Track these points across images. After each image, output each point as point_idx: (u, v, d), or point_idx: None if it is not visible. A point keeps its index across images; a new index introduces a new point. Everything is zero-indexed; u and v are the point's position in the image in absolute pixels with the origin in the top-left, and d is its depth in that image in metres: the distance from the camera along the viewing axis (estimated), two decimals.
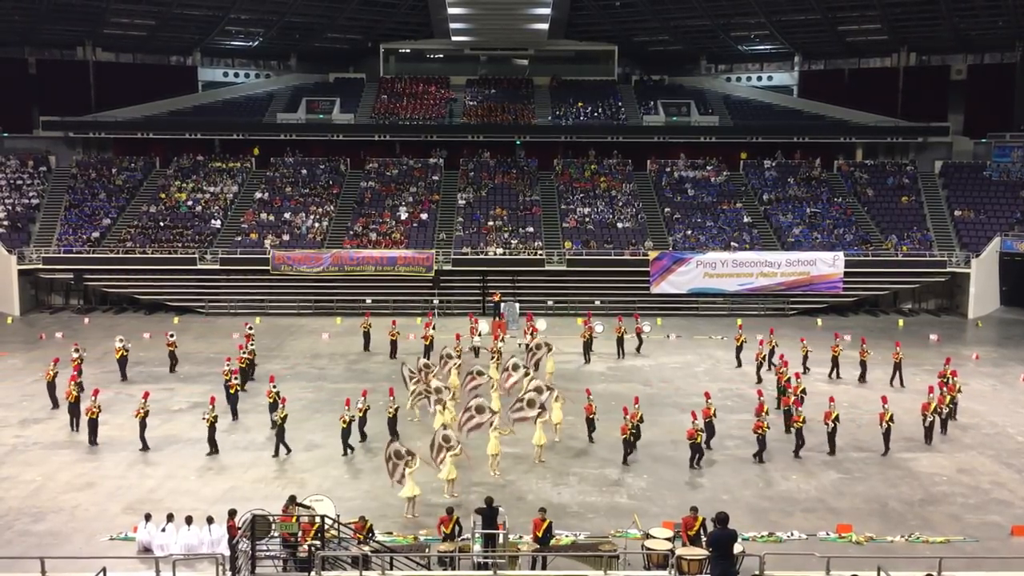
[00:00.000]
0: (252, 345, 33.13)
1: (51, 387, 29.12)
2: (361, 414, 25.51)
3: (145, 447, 24.69)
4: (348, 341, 38.03)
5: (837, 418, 24.89)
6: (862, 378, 32.69)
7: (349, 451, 24.49)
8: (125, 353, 32.74)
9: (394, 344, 36.16)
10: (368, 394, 26.65)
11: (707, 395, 25.92)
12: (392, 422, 25.20)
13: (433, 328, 37.09)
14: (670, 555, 15.02)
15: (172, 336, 34.23)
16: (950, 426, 26.87)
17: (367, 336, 37.41)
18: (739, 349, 34.87)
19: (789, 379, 29.23)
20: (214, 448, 24.39)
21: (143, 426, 24.81)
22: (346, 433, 24.50)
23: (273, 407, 25.83)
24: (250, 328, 35.10)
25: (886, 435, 24.76)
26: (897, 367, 32.47)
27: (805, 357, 33.14)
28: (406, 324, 39.04)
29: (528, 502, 20.57)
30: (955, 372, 29.77)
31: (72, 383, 27.50)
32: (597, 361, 35.27)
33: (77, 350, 32.02)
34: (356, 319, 40.79)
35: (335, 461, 23.85)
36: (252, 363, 32.52)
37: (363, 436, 25.42)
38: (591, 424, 25.61)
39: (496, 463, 22.85)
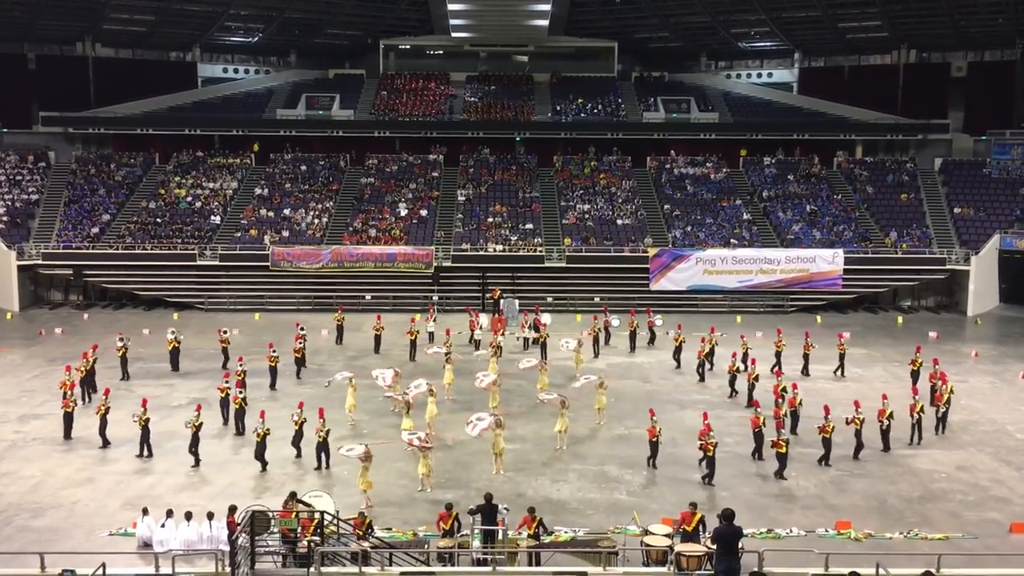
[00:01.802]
0: (302, 344, 32.75)
1: (90, 373, 30.11)
2: (297, 427, 23.58)
3: (105, 444, 24.49)
4: (348, 337, 38.04)
5: (891, 415, 24.79)
6: (804, 371, 32.81)
7: (264, 467, 22.78)
8: (177, 344, 33.23)
9: (378, 339, 36.24)
10: (303, 406, 24.73)
11: (756, 404, 25.37)
12: (321, 447, 22.82)
13: (434, 321, 37.07)
14: (669, 551, 15.04)
15: (226, 333, 34.20)
16: (928, 427, 26.35)
17: (340, 330, 37.58)
18: (678, 350, 34.16)
19: (757, 376, 29.24)
20: (145, 452, 23.75)
21: (103, 423, 24.59)
22: (261, 447, 22.73)
23: (240, 414, 25.59)
24: (302, 329, 34.39)
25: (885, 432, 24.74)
26: (842, 358, 33.08)
27: (745, 354, 31.98)
28: (406, 321, 39.00)
29: (527, 498, 20.56)
30: (936, 360, 30.20)
31: (68, 373, 27.70)
32: (599, 357, 35.27)
33: (121, 339, 32.65)
34: (356, 316, 40.89)
35: (335, 458, 23.70)
36: (302, 360, 32.38)
37: (298, 452, 23.62)
38: (655, 448, 23.29)
39: (500, 462, 22.81)
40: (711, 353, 33.04)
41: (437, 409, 25.91)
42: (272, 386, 30.35)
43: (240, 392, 26.30)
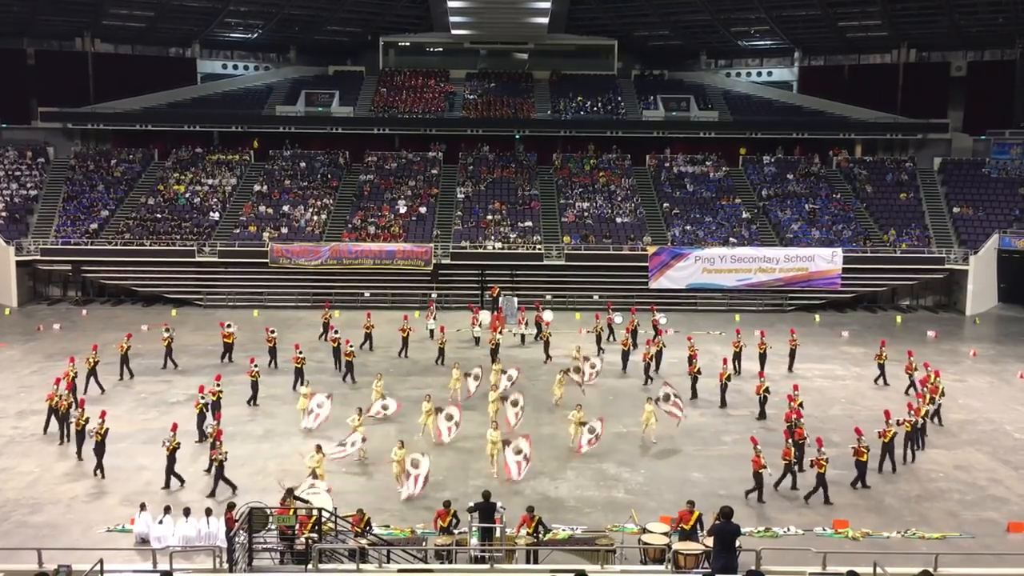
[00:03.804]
0: (352, 347, 31.96)
1: (124, 359, 31.17)
2: (169, 452, 21.57)
3: (62, 440, 24.21)
4: (347, 335, 37.88)
5: (927, 414, 24.66)
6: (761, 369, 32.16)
7: (178, 482, 21.33)
8: (235, 338, 33.59)
9: (368, 336, 36.07)
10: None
11: (799, 415, 24.47)
12: (220, 470, 21.05)
13: (434, 319, 36.81)
14: (667, 550, 15.03)
15: (274, 333, 33.63)
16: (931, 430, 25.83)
17: (325, 327, 37.32)
18: (626, 354, 33.33)
19: (730, 376, 29.16)
20: (82, 456, 23.21)
21: (66, 417, 24.44)
22: (171, 461, 21.33)
23: (203, 415, 24.82)
24: (336, 332, 33.92)
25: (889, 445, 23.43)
26: (792, 354, 32.99)
27: (691, 357, 31.01)
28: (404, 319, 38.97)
29: (525, 497, 20.56)
30: (910, 352, 30.79)
31: (72, 364, 28.01)
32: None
33: (167, 330, 33.37)
34: (355, 313, 40.86)
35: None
36: (351, 365, 31.40)
37: (167, 480, 21.67)
38: (759, 479, 21.14)
39: (496, 462, 22.71)
40: (659, 355, 32.42)
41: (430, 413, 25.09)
42: (297, 386, 29.61)
43: (202, 398, 25.29)
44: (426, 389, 28.63)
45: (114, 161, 55.22)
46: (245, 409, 27.74)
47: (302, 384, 28.35)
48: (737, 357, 32.51)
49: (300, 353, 30.56)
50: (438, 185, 53.84)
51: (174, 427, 22.10)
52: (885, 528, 19.61)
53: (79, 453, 23.30)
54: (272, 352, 32.91)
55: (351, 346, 31.93)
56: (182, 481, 21.46)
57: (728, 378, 29.06)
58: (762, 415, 27.27)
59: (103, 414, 23.31)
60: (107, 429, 22.38)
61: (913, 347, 37.46)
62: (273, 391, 29.49)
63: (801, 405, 25.84)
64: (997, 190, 52.70)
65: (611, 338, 37.48)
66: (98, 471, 22.02)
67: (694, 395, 29.53)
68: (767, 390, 27.35)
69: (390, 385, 28.53)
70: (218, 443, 21.45)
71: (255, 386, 28.40)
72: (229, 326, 34.23)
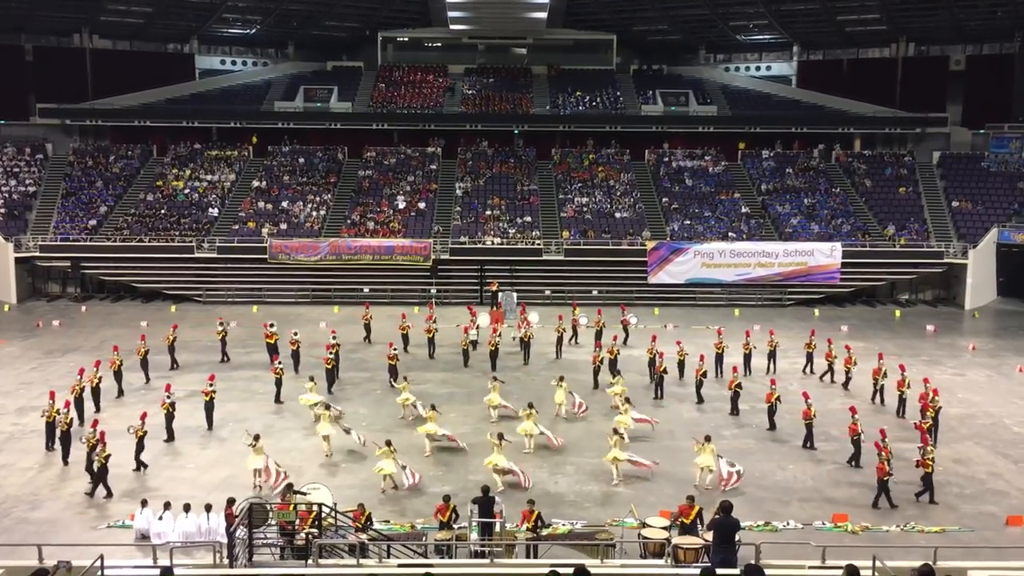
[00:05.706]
0: (394, 351, 31.09)
1: (171, 349, 32.21)
2: (138, 437, 22.32)
3: (50, 448, 23.76)
4: (346, 330, 37.96)
5: (940, 409, 24.70)
6: (746, 369, 31.90)
7: (94, 489, 20.99)
8: (277, 337, 33.35)
9: (405, 339, 35.38)
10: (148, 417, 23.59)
11: (853, 410, 23.96)
12: (102, 472, 20.73)
13: (434, 321, 36.41)
14: (667, 544, 15.06)
15: (297, 334, 33.12)
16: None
17: (368, 329, 37.02)
18: (614, 363, 31.61)
19: (706, 373, 29.14)
20: (52, 447, 23.32)
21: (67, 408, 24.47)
22: (89, 461, 21.11)
23: (170, 415, 24.61)
24: (335, 337, 32.72)
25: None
26: (771, 355, 32.51)
27: (658, 358, 30.55)
28: (406, 314, 38.91)
29: (525, 491, 20.60)
30: (829, 340, 31.80)
31: (115, 353, 28.87)
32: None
33: (222, 323, 34.33)
34: (354, 308, 40.81)
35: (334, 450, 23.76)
36: (394, 370, 30.69)
37: (139, 465, 22.23)
38: (928, 481, 20.69)
39: (498, 478, 22.59)
40: (653, 361, 31.33)
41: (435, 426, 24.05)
42: (329, 390, 29.43)
43: (168, 396, 25.21)
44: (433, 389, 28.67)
45: (112, 157, 55.15)
46: (253, 407, 27.70)
47: (332, 384, 28.35)
48: (719, 358, 32.02)
49: (331, 354, 30.30)
50: (437, 180, 53.79)
51: (94, 424, 22.17)
52: (884, 522, 19.66)
53: (48, 444, 23.59)
54: (295, 356, 32.14)
55: (394, 349, 31.07)
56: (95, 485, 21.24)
57: (704, 374, 29.06)
58: (734, 411, 27.37)
59: (67, 404, 24.20)
60: (72, 419, 23.17)
61: (912, 341, 37.74)
62: (296, 393, 29.10)
63: (779, 399, 25.77)
64: (996, 184, 52.70)
65: (573, 340, 36.85)
66: (65, 460, 22.58)
67: (658, 395, 29.27)
68: (739, 386, 27.52)
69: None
70: (101, 445, 20.97)
71: (279, 383, 28.37)
72: (272, 325, 33.72)
